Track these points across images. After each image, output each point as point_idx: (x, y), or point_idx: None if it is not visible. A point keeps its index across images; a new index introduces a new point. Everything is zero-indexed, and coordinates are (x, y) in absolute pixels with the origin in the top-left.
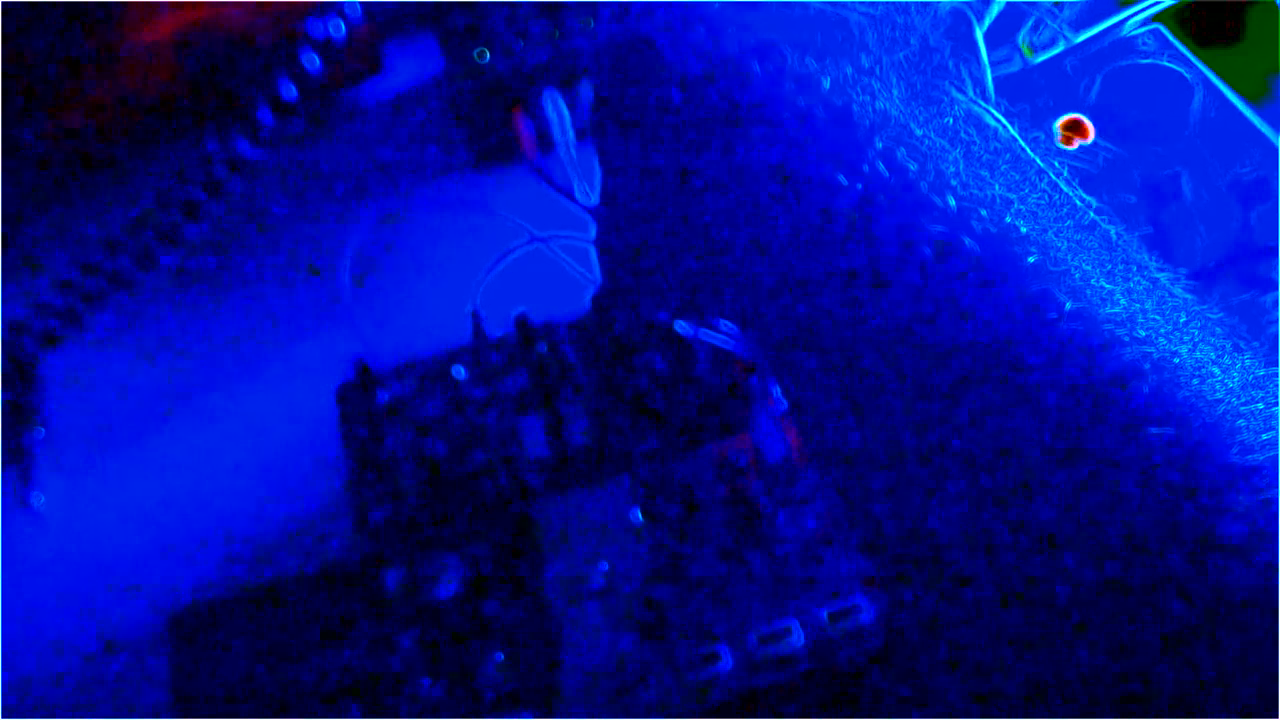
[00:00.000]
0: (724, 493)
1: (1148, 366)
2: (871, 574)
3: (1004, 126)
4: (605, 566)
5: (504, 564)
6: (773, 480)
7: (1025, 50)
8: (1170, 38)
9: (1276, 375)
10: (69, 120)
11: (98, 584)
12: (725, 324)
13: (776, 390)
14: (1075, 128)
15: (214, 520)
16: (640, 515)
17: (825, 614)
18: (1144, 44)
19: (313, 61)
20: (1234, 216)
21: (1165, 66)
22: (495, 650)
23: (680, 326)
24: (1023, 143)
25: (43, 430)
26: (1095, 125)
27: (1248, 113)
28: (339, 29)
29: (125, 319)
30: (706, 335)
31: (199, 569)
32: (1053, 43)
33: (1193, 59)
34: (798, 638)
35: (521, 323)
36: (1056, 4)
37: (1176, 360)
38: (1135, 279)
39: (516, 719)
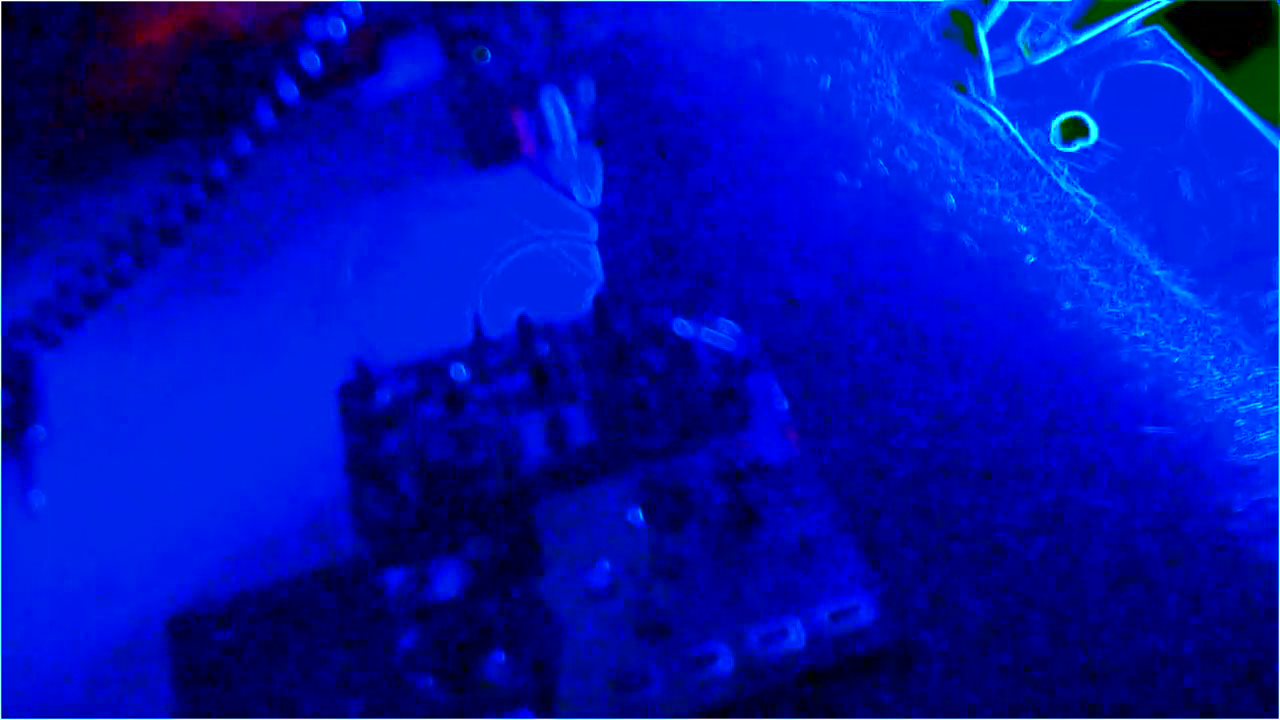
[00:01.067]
0: (724, 493)
1: (1146, 366)
2: (871, 574)
3: (1004, 126)
4: (606, 566)
5: (504, 564)
6: (773, 480)
7: (1025, 50)
8: (1170, 40)
9: (1275, 375)
10: (69, 120)
11: (98, 585)
12: (725, 324)
13: (777, 391)
14: (1075, 128)
15: (214, 520)
16: (640, 515)
17: (825, 614)
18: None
19: (313, 61)
20: (1234, 216)
21: (1165, 67)
22: (495, 650)
23: (680, 326)
24: (1023, 142)
25: (43, 430)
26: (1095, 125)
27: (1247, 114)
28: (339, 29)
29: (125, 319)
30: (706, 335)
31: (199, 569)
32: (1053, 43)
33: (1195, 63)
34: (798, 638)
35: (522, 323)
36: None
37: (1175, 359)
38: (1134, 278)
39: (516, 719)
